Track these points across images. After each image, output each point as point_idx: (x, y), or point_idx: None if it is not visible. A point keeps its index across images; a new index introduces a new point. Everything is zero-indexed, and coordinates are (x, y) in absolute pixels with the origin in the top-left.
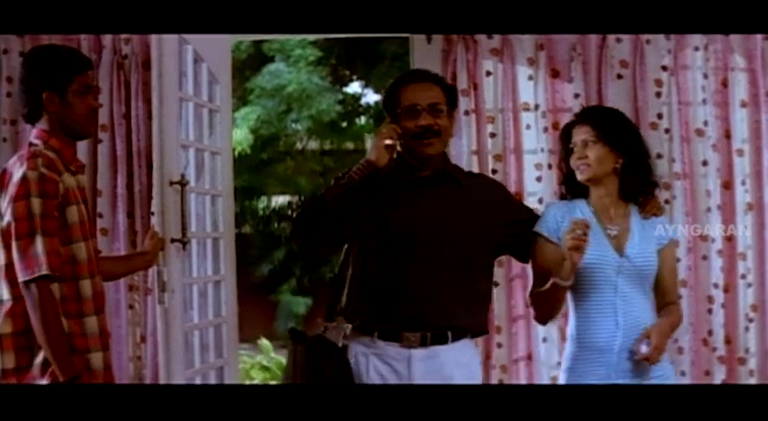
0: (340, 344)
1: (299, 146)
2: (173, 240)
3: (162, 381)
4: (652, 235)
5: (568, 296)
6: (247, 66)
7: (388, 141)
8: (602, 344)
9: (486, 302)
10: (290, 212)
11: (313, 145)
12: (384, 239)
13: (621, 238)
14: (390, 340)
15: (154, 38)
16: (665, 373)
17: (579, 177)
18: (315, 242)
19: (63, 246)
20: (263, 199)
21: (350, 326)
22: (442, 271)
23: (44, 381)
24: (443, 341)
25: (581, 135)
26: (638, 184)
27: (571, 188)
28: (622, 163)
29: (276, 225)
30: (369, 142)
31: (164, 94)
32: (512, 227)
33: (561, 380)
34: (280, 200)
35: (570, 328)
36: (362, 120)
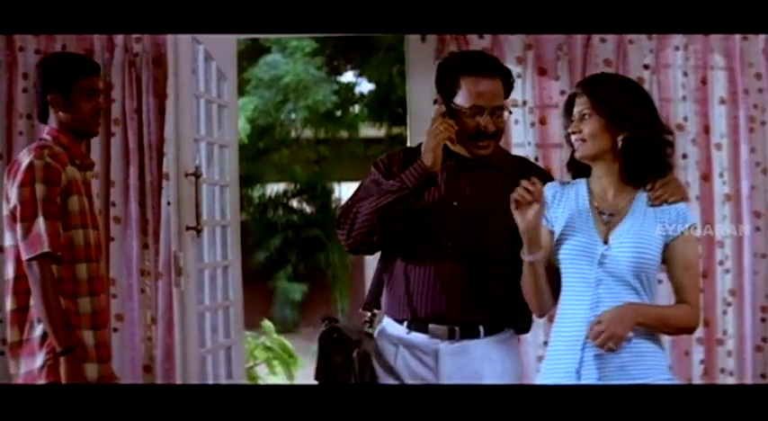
0: (375, 334)
1: (294, 135)
2: (188, 228)
3: (177, 360)
4: (656, 224)
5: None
6: (245, 57)
7: (447, 143)
8: (573, 338)
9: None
10: (285, 200)
11: (308, 134)
12: (416, 228)
13: (612, 225)
14: (419, 332)
15: (170, 39)
16: (650, 380)
17: (576, 154)
18: (363, 249)
19: (64, 230)
20: (259, 187)
21: (384, 315)
22: (471, 262)
23: (42, 352)
24: (474, 335)
25: (578, 106)
26: (644, 165)
27: (574, 166)
28: (624, 139)
29: (272, 213)
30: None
31: (179, 92)
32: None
33: (540, 371)
34: (276, 188)
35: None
36: (356, 108)
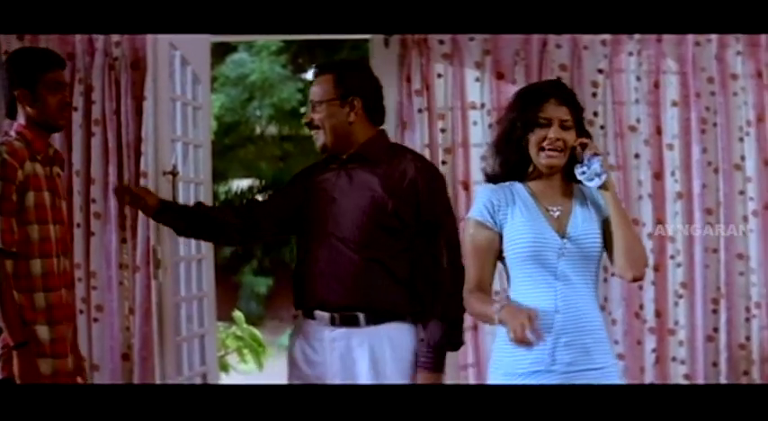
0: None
1: (258, 131)
2: None
3: (155, 348)
4: (595, 212)
5: (508, 281)
6: (212, 55)
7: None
8: (540, 328)
9: (409, 286)
10: (251, 196)
11: (272, 130)
12: (306, 222)
13: (563, 219)
14: (309, 318)
15: (149, 45)
16: (607, 365)
17: (543, 161)
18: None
19: (19, 226)
20: (226, 183)
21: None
22: (350, 251)
23: None
24: (354, 323)
25: (559, 114)
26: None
27: (510, 169)
28: (577, 145)
29: None
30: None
31: (157, 95)
32: (397, 218)
33: (494, 365)
34: (242, 184)
35: None
36: None
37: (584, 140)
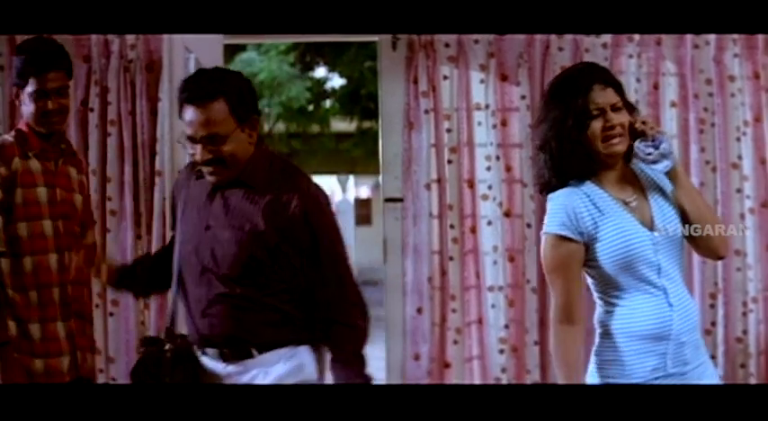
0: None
1: (266, 129)
2: None
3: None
4: (666, 195)
5: (600, 294)
6: None
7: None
8: (657, 331)
9: (297, 317)
10: None
11: (280, 127)
12: (179, 254)
13: (644, 210)
14: (204, 356)
15: (165, 48)
16: (706, 358)
17: (607, 151)
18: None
19: (6, 224)
20: None
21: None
22: (228, 284)
23: None
24: (247, 355)
25: (608, 98)
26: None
27: (570, 169)
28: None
29: None
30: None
31: (173, 96)
32: (279, 250)
33: (610, 378)
34: None
35: (606, 322)
36: (328, 103)
37: (644, 118)
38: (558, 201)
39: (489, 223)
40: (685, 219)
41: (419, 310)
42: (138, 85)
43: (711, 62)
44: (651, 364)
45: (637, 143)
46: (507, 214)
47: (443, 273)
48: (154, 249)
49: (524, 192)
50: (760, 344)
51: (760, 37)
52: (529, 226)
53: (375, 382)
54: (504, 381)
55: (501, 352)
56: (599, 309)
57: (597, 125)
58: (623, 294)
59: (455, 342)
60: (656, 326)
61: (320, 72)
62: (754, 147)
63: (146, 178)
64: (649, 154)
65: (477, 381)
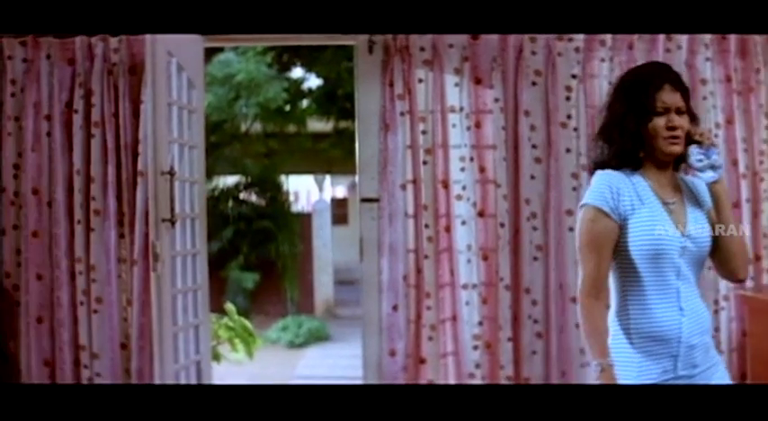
0: None
1: (244, 129)
2: (164, 220)
3: (155, 336)
4: (703, 207)
5: (619, 282)
6: None
7: None
8: (667, 333)
9: None
10: (237, 193)
11: (258, 127)
12: None
13: (680, 215)
14: None
15: (148, 53)
16: (717, 361)
17: (666, 149)
18: None
19: None
20: (213, 180)
21: None
22: None
23: None
24: None
25: (675, 101)
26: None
27: (623, 157)
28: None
29: (225, 205)
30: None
31: (156, 100)
32: None
33: (620, 378)
34: (228, 181)
35: (620, 317)
36: (305, 103)
37: (703, 129)
38: (604, 177)
39: (463, 223)
40: (713, 234)
41: (395, 308)
42: (121, 87)
43: (683, 65)
44: (661, 366)
45: (691, 147)
46: (481, 214)
47: (419, 271)
48: (136, 247)
49: (498, 193)
50: (732, 341)
51: (732, 41)
52: (502, 225)
53: (352, 378)
54: (478, 377)
55: (475, 348)
56: (613, 307)
57: (660, 122)
58: (639, 289)
59: (430, 338)
60: (665, 328)
61: (297, 72)
62: (726, 150)
63: (128, 178)
64: (700, 160)
65: (451, 376)
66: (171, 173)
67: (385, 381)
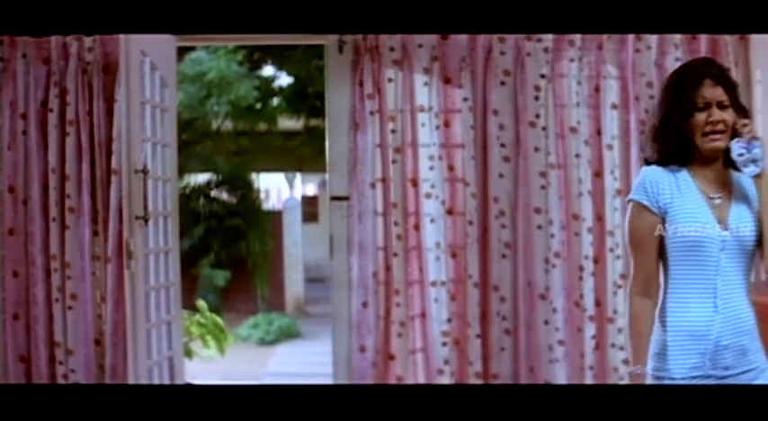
0: None
1: (215, 127)
2: (137, 217)
3: (129, 333)
4: (749, 202)
5: (664, 275)
6: None
7: None
8: (699, 329)
9: None
10: (208, 190)
11: (228, 125)
12: None
13: (724, 209)
14: None
15: (122, 52)
16: (761, 365)
17: (707, 145)
18: None
19: None
20: (184, 178)
21: None
22: None
23: None
24: None
25: (716, 95)
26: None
27: (672, 155)
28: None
29: (196, 202)
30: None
31: (129, 99)
32: None
33: (650, 368)
34: (199, 178)
35: (662, 308)
36: (275, 101)
37: (746, 121)
38: (647, 173)
39: (432, 221)
40: (760, 227)
41: (364, 304)
42: (95, 86)
43: (653, 65)
44: (691, 362)
45: (733, 142)
46: (450, 212)
47: (388, 268)
48: (110, 245)
49: (466, 191)
50: None
51: (702, 41)
52: (470, 223)
53: (323, 375)
54: (447, 373)
55: (444, 344)
56: (660, 300)
57: (701, 118)
58: (678, 283)
59: (399, 335)
60: (696, 325)
61: (268, 71)
62: None
63: (102, 176)
64: (741, 154)
65: (420, 373)
66: (144, 171)
67: (355, 377)
